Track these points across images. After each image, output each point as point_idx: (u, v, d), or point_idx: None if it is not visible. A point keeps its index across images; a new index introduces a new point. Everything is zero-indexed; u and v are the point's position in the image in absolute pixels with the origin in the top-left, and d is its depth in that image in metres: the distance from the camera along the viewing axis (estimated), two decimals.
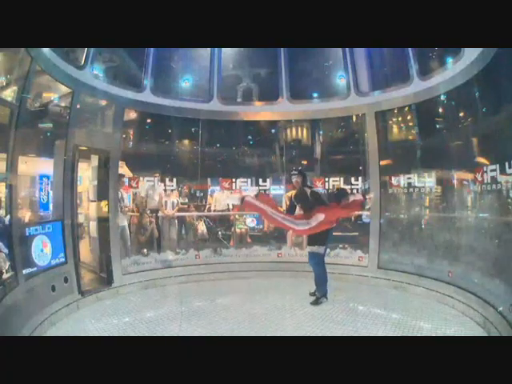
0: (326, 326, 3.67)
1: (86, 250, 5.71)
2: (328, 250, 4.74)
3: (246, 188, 6.88)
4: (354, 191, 6.21)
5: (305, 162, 7.86)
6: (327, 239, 4.40)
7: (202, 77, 6.23)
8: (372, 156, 5.55)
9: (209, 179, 7.28)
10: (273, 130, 7.33)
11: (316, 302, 4.30)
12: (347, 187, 6.35)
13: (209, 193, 7.22)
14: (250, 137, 7.69)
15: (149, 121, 6.91)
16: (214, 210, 6.86)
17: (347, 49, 5.66)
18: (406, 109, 5.74)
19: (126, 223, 5.64)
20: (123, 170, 5.97)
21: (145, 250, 5.73)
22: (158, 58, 5.55)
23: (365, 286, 5.06)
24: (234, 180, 6.71)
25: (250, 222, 7.08)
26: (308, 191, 4.46)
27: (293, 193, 4.81)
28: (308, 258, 4.44)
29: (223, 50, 6.13)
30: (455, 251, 4.51)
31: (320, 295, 4.35)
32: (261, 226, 7.12)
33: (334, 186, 6.45)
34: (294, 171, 4.63)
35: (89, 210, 5.86)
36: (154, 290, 5.09)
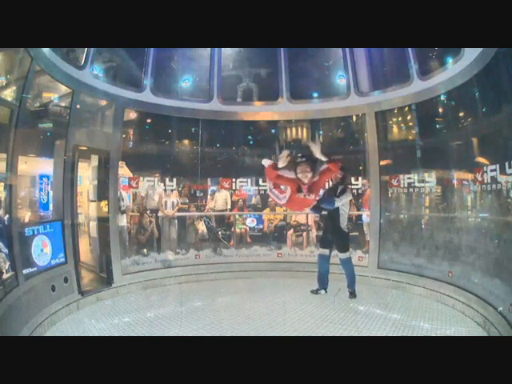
0: (326, 326, 3.67)
1: (86, 250, 5.71)
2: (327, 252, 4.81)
3: (247, 188, 6.88)
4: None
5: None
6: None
7: (201, 77, 6.23)
8: (372, 156, 5.55)
9: (209, 179, 7.28)
10: (273, 130, 7.33)
11: (354, 295, 4.59)
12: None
13: (209, 193, 7.23)
14: (249, 137, 7.69)
15: (149, 121, 6.90)
16: (214, 210, 6.86)
17: (347, 49, 5.65)
18: (406, 109, 5.73)
19: (124, 223, 5.64)
20: (123, 170, 5.97)
21: (145, 250, 5.73)
22: (158, 58, 5.55)
23: (365, 286, 5.05)
24: (233, 180, 6.71)
25: (250, 221, 7.08)
26: (340, 188, 4.57)
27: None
28: (342, 263, 4.62)
29: (223, 50, 6.12)
30: (455, 251, 4.51)
31: (353, 290, 4.63)
32: (261, 226, 7.12)
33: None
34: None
35: (89, 210, 5.86)
36: (153, 290, 5.09)
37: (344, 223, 4.58)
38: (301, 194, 3.36)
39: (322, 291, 4.73)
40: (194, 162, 6.83)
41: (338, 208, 4.47)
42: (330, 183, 4.91)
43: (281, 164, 3.22)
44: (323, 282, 4.73)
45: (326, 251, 4.71)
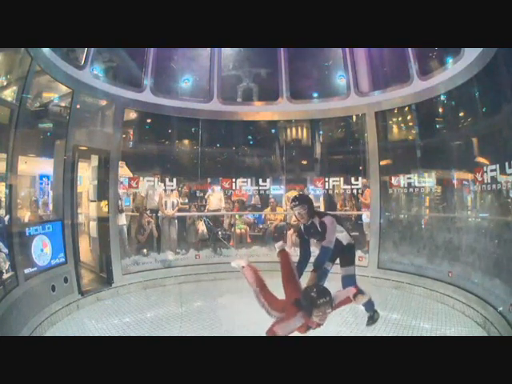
0: (326, 326, 3.65)
1: (86, 250, 5.71)
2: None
3: (247, 188, 6.87)
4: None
5: (305, 162, 7.85)
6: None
7: (202, 77, 6.23)
8: (372, 156, 5.55)
9: (209, 179, 7.28)
10: (273, 130, 7.33)
11: (374, 321, 3.61)
12: (347, 187, 6.34)
13: (209, 193, 7.24)
14: (249, 137, 7.69)
15: (149, 121, 6.91)
16: (208, 210, 6.84)
17: (347, 49, 5.66)
18: (406, 109, 5.74)
19: (124, 222, 5.64)
20: (123, 170, 5.97)
21: (145, 250, 5.73)
22: (157, 58, 5.55)
23: (365, 285, 5.05)
24: (233, 180, 6.71)
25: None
26: (317, 222, 3.26)
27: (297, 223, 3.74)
28: (344, 282, 3.54)
29: (223, 49, 6.13)
30: (455, 251, 4.51)
31: (373, 312, 3.64)
32: (260, 226, 7.11)
33: (333, 186, 6.44)
34: (293, 202, 3.26)
35: (89, 209, 5.87)
36: (153, 290, 5.09)
37: (345, 237, 3.51)
38: (308, 329, 2.76)
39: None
40: (193, 162, 6.83)
41: None
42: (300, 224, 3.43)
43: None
44: None
45: (329, 264, 3.51)
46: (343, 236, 3.57)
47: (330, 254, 3.29)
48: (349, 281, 3.50)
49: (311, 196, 7.02)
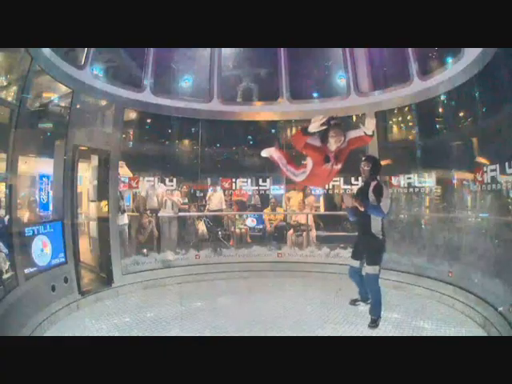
0: (326, 326, 3.67)
1: (86, 250, 5.71)
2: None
3: (247, 188, 6.87)
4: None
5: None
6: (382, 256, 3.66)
7: (202, 77, 6.23)
8: None
9: (209, 179, 7.28)
10: (273, 130, 7.33)
11: (376, 325, 3.63)
12: (347, 187, 6.34)
13: (209, 193, 7.24)
14: (250, 137, 7.69)
15: (149, 121, 6.91)
16: (208, 210, 6.84)
17: (347, 49, 5.66)
18: (406, 109, 5.74)
19: (126, 222, 5.64)
20: (123, 170, 5.97)
21: (145, 250, 5.74)
22: (157, 58, 5.55)
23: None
24: (233, 180, 6.71)
25: (250, 222, 7.07)
26: (373, 184, 3.56)
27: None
28: (367, 280, 3.67)
29: (223, 49, 6.13)
30: (455, 251, 4.51)
31: (377, 317, 3.67)
32: (261, 226, 7.11)
33: (333, 186, 6.47)
34: (364, 156, 3.89)
35: (89, 209, 5.87)
36: (153, 290, 5.09)
37: (377, 228, 3.56)
38: (328, 164, 3.01)
39: (360, 303, 3.98)
40: (193, 162, 6.84)
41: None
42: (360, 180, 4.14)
43: (313, 128, 2.79)
44: (361, 294, 3.95)
45: (356, 263, 3.77)
46: (377, 230, 3.62)
47: (380, 215, 3.53)
48: (373, 280, 3.61)
49: (312, 196, 7.06)
